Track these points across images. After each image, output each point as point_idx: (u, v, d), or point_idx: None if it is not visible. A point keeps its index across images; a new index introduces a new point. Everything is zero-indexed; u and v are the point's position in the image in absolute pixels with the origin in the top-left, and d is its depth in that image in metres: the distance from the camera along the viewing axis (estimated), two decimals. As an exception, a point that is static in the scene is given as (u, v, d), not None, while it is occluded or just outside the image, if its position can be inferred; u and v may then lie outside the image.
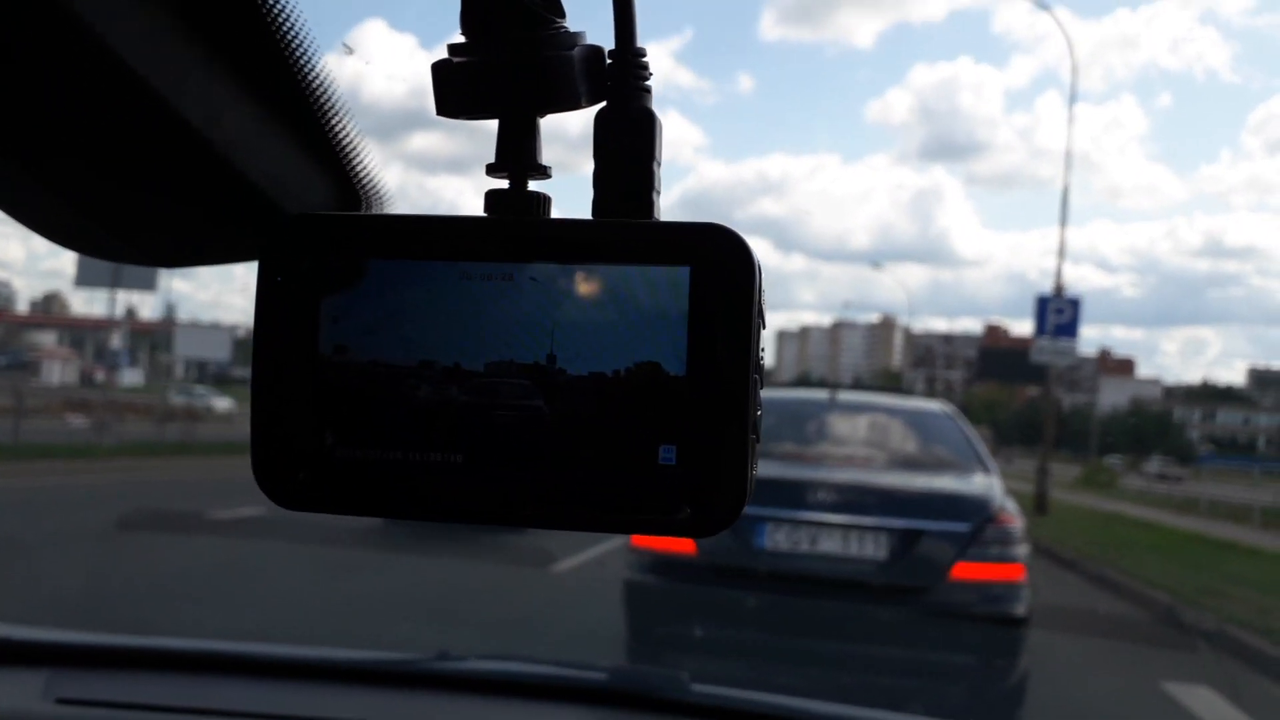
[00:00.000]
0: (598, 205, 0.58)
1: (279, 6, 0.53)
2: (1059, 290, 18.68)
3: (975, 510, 4.32)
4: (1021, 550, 4.39)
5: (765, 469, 2.41)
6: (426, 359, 0.55)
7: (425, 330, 0.55)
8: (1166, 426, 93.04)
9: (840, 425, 5.29)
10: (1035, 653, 5.68)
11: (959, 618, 4.22)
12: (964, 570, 4.17)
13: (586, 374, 0.54)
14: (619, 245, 0.54)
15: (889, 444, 5.22)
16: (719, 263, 0.53)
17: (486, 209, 0.58)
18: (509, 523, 0.55)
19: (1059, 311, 18.45)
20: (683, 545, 4.27)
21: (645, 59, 0.59)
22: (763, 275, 0.54)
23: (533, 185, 0.58)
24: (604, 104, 0.59)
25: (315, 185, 0.63)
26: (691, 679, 1.71)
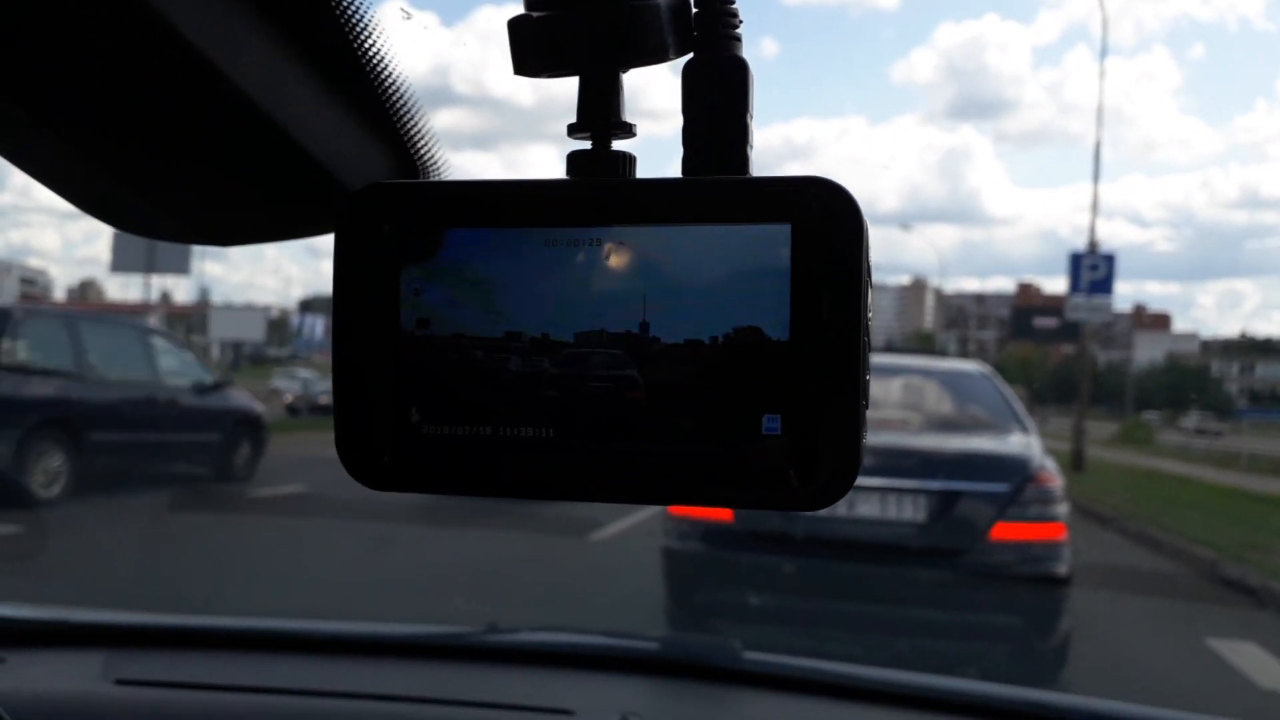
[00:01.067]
0: (688, 163, 0.56)
1: None
2: (1093, 246, 18.46)
3: (1014, 470, 4.29)
4: (1062, 509, 4.30)
5: None
6: (513, 330, 0.53)
7: (510, 301, 0.53)
8: (1204, 381, 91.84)
9: (875, 388, 5.22)
10: (1077, 611, 5.63)
11: (1000, 578, 4.18)
12: (1004, 531, 4.13)
13: (682, 342, 0.51)
14: (712, 204, 0.52)
15: (925, 406, 5.25)
16: (823, 218, 0.50)
17: (569, 171, 0.56)
18: (605, 498, 0.54)
19: (1093, 268, 18.24)
20: (721, 513, 4.17)
21: (734, 4, 0.56)
22: (869, 231, 0.51)
23: (617, 145, 0.56)
24: (691, 55, 0.56)
25: (374, 158, 0.62)
26: (743, 647, 1.69)
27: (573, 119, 0.57)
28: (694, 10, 0.56)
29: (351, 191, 0.56)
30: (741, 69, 0.56)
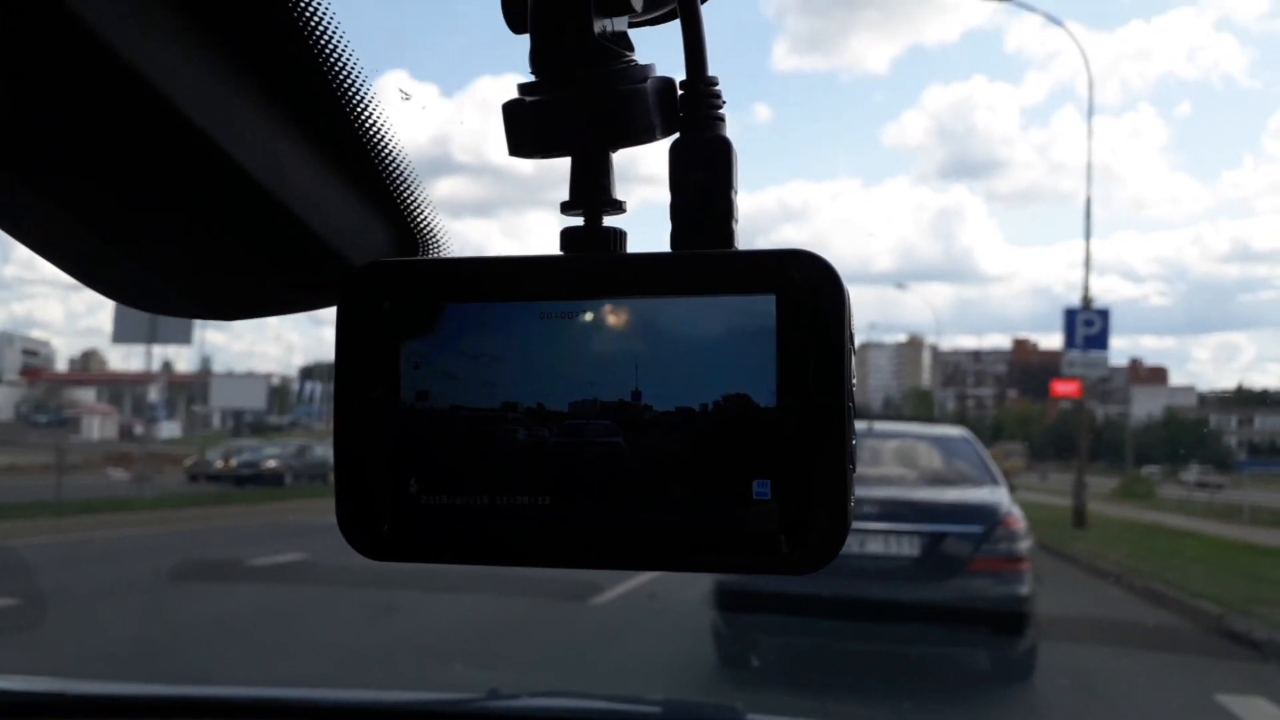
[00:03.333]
0: (676, 237, 0.58)
1: (341, 61, 0.54)
2: (1087, 302, 18.61)
3: (987, 516, 5.47)
4: (1024, 545, 5.45)
5: None
6: (509, 401, 0.54)
7: (507, 373, 0.54)
8: (1203, 434, 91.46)
9: (877, 450, 6.32)
10: (1085, 668, 6.18)
11: (979, 600, 5.29)
12: (980, 564, 5.31)
13: (673, 410, 0.52)
14: (699, 276, 0.53)
15: (918, 464, 6.41)
16: (805, 288, 0.52)
17: (563, 246, 0.58)
18: (601, 565, 0.54)
19: (1088, 324, 18.38)
20: None
21: (717, 87, 0.58)
22: (850, 299, 0.52)
23: (608, 220, 0.58)
24: (678, 135, 0.58)
25: (376, 232, 0.63)
26: (745, 710, 1.67)
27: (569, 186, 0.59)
28: (679, 93, 0.58)
29: (353, 269, 0.58)
30: (725, 148, 0.58)
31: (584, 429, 0.54)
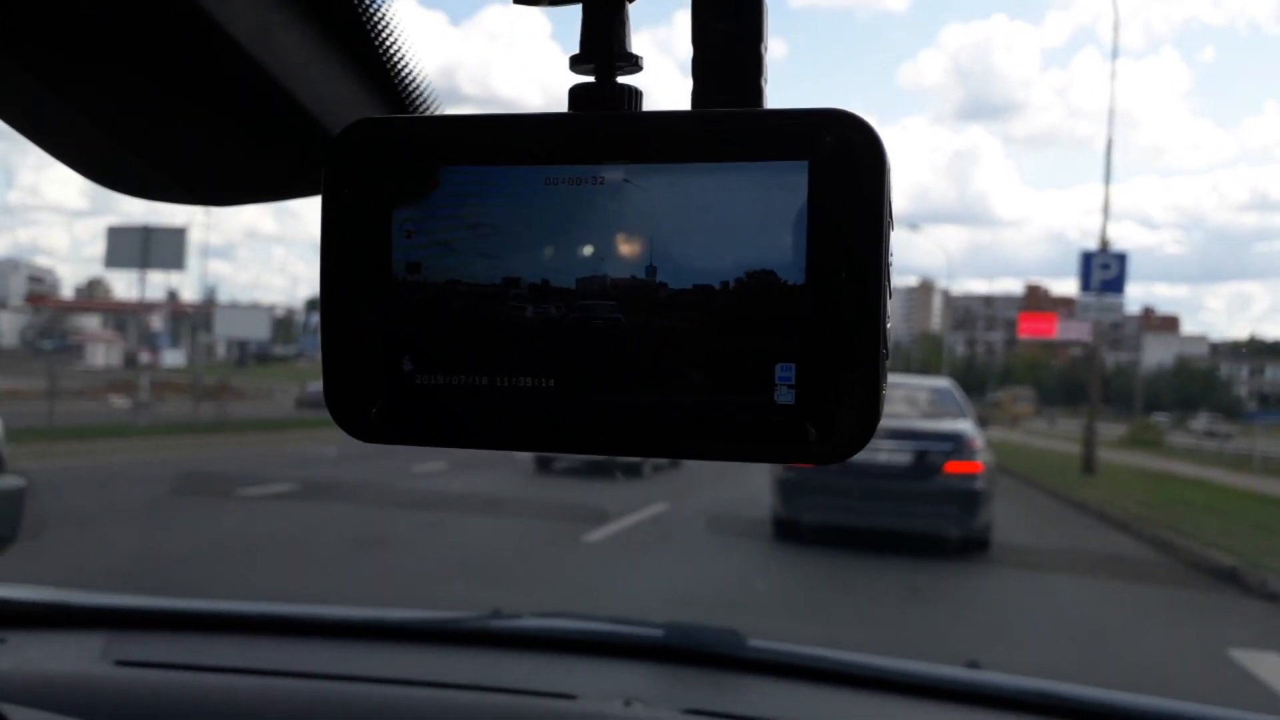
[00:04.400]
0: (698, 96, 0.53)
1: None
2: (1104, 245, 18.12)
3: (956, 437, 8.33)
4: (982, 455, 8.29)
5: None
6: (510, 275, 0.51)
7: (508, 243, 0.50)
8: (1213, 383, 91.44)
9: (887, 394, 9.21)
10: (1095, 617, 6.62)
11: (948, 491, 8.02)
12: (951, 466, 8.09)
13: (691, 287, 0.48)
14: (724, 139, 0.49)
15: (915, 403, 9.13)
16: (843, 154, 0.47)
17: (571, 105, 0.53)
18: (609, 451, 0.51)
19: (1104, 267, 17.92)
20: None
21: None
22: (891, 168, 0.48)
23: (622, 79, 0.54)
24: None
25: (368, 109, 0.61)
26: (748, 636, 1.69)
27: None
28: None
29: (342, 129, 0.53)
30: None
31: (592, 306, 0.50)
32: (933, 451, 8.21)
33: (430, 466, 12.04)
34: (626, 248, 0.49)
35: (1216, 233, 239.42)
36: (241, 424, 20.15)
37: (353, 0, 0.55)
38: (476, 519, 8.71)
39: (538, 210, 0.50)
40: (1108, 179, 17.99)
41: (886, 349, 0.48)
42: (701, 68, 0.53)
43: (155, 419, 18.92)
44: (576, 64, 0.54)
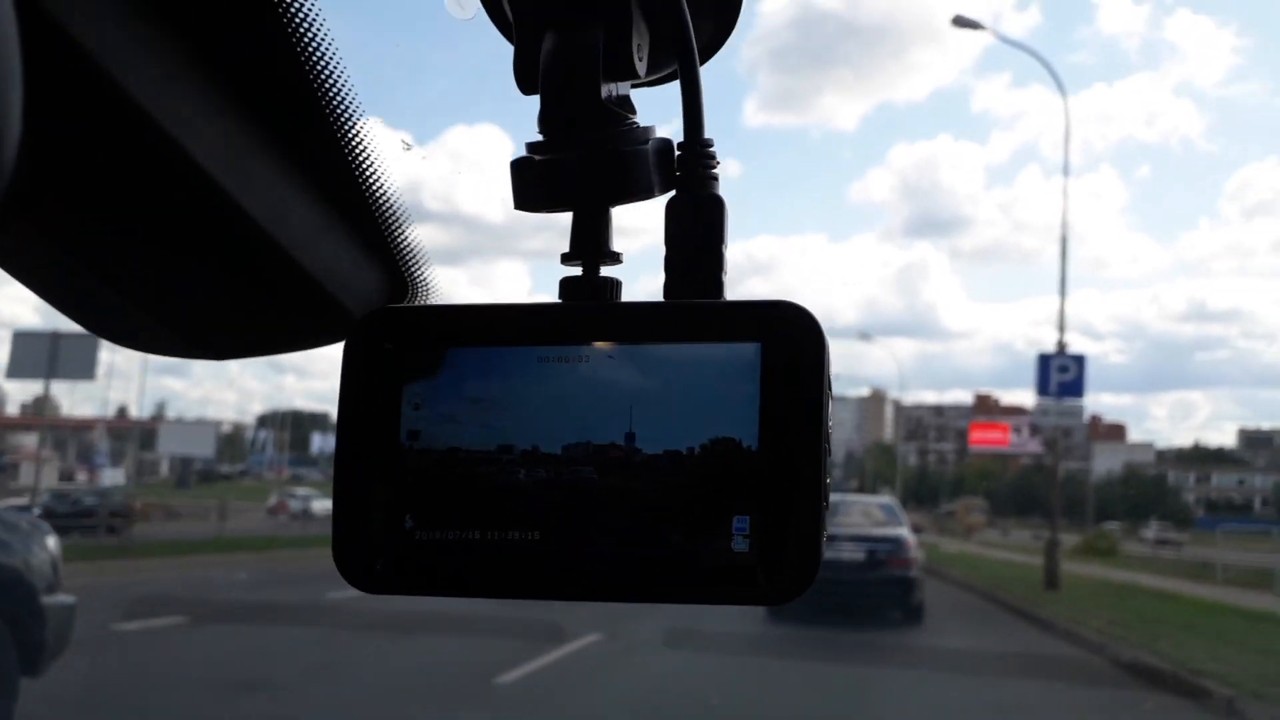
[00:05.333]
0: (670, 288, 0.60)
1: (343, 108, 0.55)
2: (1061, 348, 17.60)
3: (897, 540, 11.93)
4: (914, 553, 11.95)
5: None
6: (505, 443, 0.56)
7: (503, 415, 0.56)
8: (1162, 491, 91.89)
9: (844, 510, 12.92)
10: None
11: (891, 579, 11.54)
12: (892, 562, 11.58)
13: (662, 452, 0.54)
14: (690, 324, 0.56)
15: (868, 515, 13.02)
16: (789, 338, 0.54)
17: (562, 295, 0.60)
18: (586, 597, 0.56)
19: (1063, 369, 17.41)
20: None
21: (713, 149, 0.61)
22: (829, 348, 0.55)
23: (605, 271, 0.61)
24: (674, 192, 0.61)
25: (370, 277, 0.64)
26: None
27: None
28: (677, 154, 0.61)
29: (360, 315, 0.60)
30: (718, 205, 0.60)
31: (576, 470, 0.55)
32: (880, 550, 11.73)
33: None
34: (607, 418, 0.55)
35: (1157, 342, 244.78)
36: (143, 547, 18.95)
37: (359, 184, 0.59)
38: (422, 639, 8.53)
39: (531, 386, 0.56)
40: (1063, 282, 17.45)
41: (827, 503, 0.54)
42: (673, 264, 0.60)
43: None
44: (567, 260, 0.60)
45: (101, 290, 0.61)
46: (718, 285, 0.59)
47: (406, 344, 0.58)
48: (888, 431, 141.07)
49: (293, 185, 0.58)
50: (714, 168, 0.61)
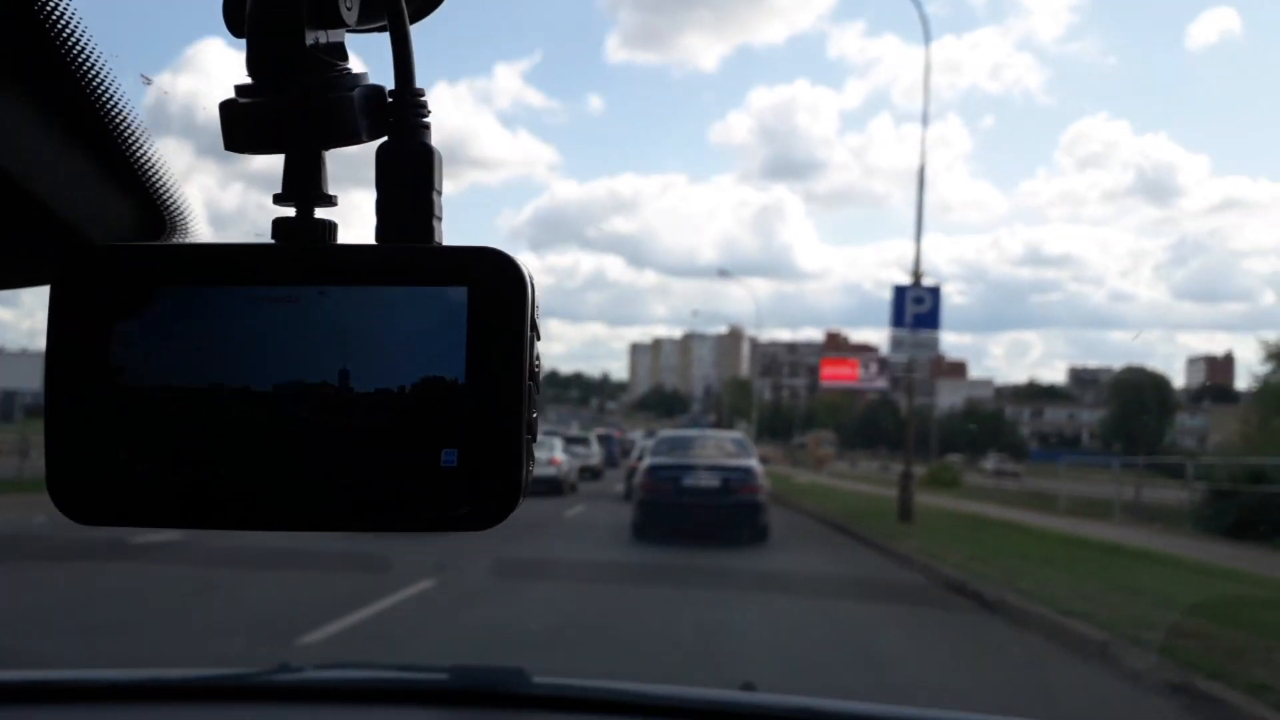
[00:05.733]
0: (381, 232, 0.61)
1: (72, 34, 0.53)
2: (917, 278, 17.13)
3: (747, 469, 13.70)
4: (761, 481, 13.77)
5: (679, 459, 13.87)
6: (216, 381, 0.57)
7: (214, 354, 0.57)
8: (1000, 425, 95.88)
9: (701, 443, 15.09)
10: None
11: (742, 503, 13.15)
12: (742, 489, 13.31)
13: (373, 390, 0.56)
14: (402, 268, 0.58)
15: (720, 447, 14.81)
16: (494, 283, 0.57)
17: (275, 236, 0.61)
18: (298, 528, 0.58)
19: (918, 300, 16.96)
20: (657, 488, 13.41)
21: (424, 98, 0.62)
22: (535, 292, 0.58)
23: (320, 213, 0.61)
24: (385, 139, 0.62)
25: (117, 210, 0.63)
26: (532, 673, 1.72)
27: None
28: (388, 100, 0.62)
29: (63, 255, 0.59)
30: (427, 152, 0.62)
31: (285, 407, 0.57)
32: (732, 479, 13.31)
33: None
34: (318, 358, 0.56)
35: (996, 285, 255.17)
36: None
37: (99, 113, 0.57)
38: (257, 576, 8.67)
39: (243, 326, 0.56)
40: (920, 213, 16.94)
41: (533, 435, 0.58)
42: (383, 209, 0.61)
43: None
44: (280, 200, 0.61)
45: None
46: (428, 231, 0.61)
47: (115, 283, 0.57)
48: (744, 368, 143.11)
49: (21, 112, 0.55)
50: (425, 116, 0.62)
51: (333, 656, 5.48)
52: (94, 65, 0.55)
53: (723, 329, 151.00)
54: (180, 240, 0.66)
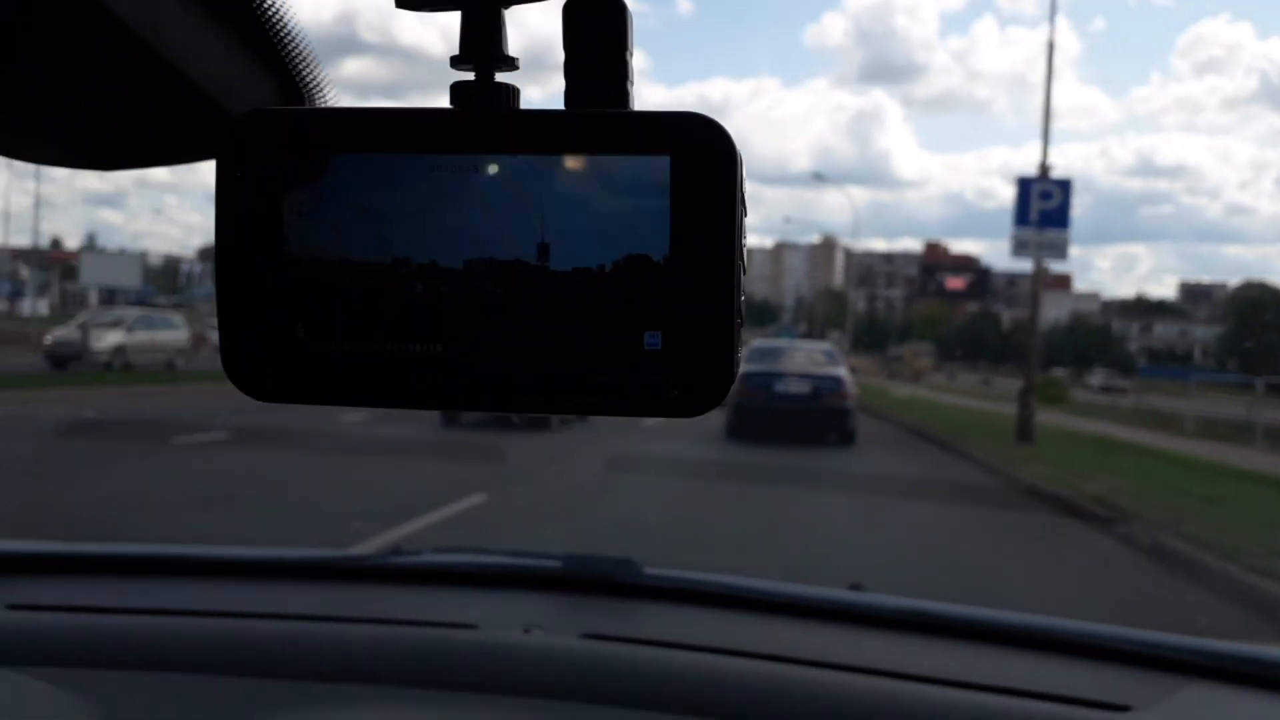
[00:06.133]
0: (570, 96, 0.57)
1: None
2: (1044, 171, 15.01)
3: (837, 378, 14.34)
4: (850, 390, 14.26)
5: (771, 367, 14.09)
6: (400, 256, 0.54)
7: (397, 227, 0.54)
8: (1107, 339, 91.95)
9: (791, 352, 15.79)
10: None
11: (831, 409, 13.89)
12: (831, 396, 14.04)
13: (569, 270, 0.53)
14: (596, 135, 0.53)
15: (810, 357, 15.58)
16: (699, 151, 0.53)
17: (453, 102, 0.57)
18: (488, 407, 0.55)
19: (1045, 196, 14.87)
20: (751, 393, 13.53)
21: None
22: (743, 162, 0.53)
23: (500, 77, 0.57)
24: None
25: (257, 83, 0.62)
26: (644, 563, 1.72)
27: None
28: None
29: (233, 118, 0.57)
30: (620, 8, 0.57)
31: (477, 284, 0.54)
32: (822, 387, 13.86)
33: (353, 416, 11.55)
34: (510, 233, 0.53)
35: (1105, 196, 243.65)
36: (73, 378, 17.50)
37: None
38: (380, 462, 8.96)
39: (423, 196, 0.53)
40: (1048, 98, 14.79)
41: (741, 318, 0.54)
42: (573, 71, 0.56)
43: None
44: (457, 63, 0.57)
45: None
46: (623, 94, 0.56)
47: (285, 148, 0.55)
48: (838, 278, 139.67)
49: None
50: None
51: (446, 541, 5.42)
52: None
53: (815, 238, 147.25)
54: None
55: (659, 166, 0.52)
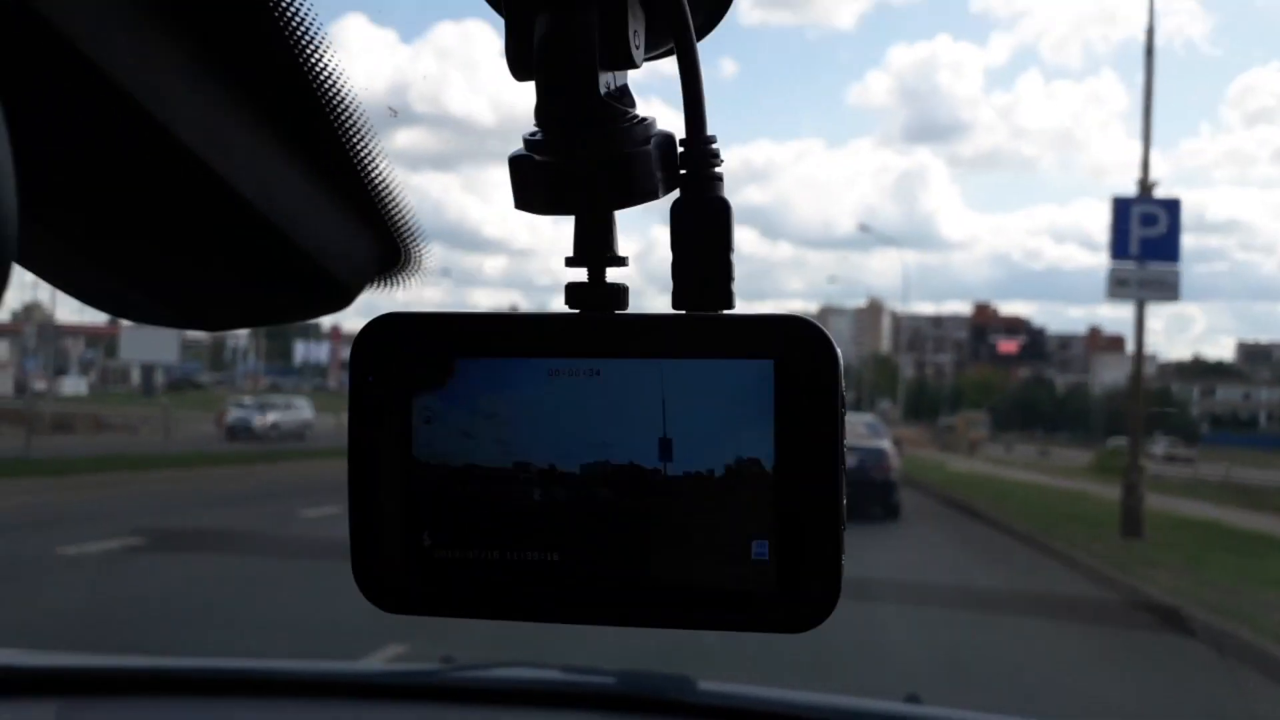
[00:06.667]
0: (678, 296, 0.58)
1: (329, 79, 0.54)
2: (1146, 189, 12.20)
3: (880, 451, 15.16)
4: (894, 461, 15.44)
5: None
6: (521, 461, 0.55)
7: (518, 431, 0.55)
8: (1169, 404, 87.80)
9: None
10: None
11: (875, 482, 14.25)
12: (876, 468, 14.64)
13: (681, 474, 0.53)
14: (702, 339, 0.54)
15: (853, 429, 11.49)
16: (802, 355, 0.53)
17: (568, 302, 0.59)
18: (603, 621, 0.56)
19: (1148, 221, 12.04)
20: None
21: (716, 145, 0.59)
22: (842, 363, 0.56)
23: (611, 276, 0.59)
24: (678, 193, 0.58)
25: (361, 250, 0.64)
26: (697, 678, 1.71)
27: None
28: (679, 150, 0.58)
29: (352, 287, 0.61)
30: (724, 209, 0.58)
31: (592, 490, 0.55)
32: (866, 460, 14.26)
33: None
34: (625, 436, 0.54)
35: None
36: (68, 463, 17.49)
37: (347, 155, 0.58)
38: None
39: (544, 400, 0.54)
40: (1148, 97, 12.11)
41: (844, 524, 0.53)
42: (680, 271, 0.57)
43: None
44: (571, 263, 0.59)
45: (99, 274, 0.61)
46: (727, 295, 0.57)
47: (415, 352, 0.56)
48: (885, 342, 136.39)
49: (278, 158, 0.57)
50: (718, 166, 0.58)
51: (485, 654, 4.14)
52: (347, 104, 0.55)
53: (862, 302, 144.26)
54: (414, 273, 0.67)
55: (764, 370, 0.53)
